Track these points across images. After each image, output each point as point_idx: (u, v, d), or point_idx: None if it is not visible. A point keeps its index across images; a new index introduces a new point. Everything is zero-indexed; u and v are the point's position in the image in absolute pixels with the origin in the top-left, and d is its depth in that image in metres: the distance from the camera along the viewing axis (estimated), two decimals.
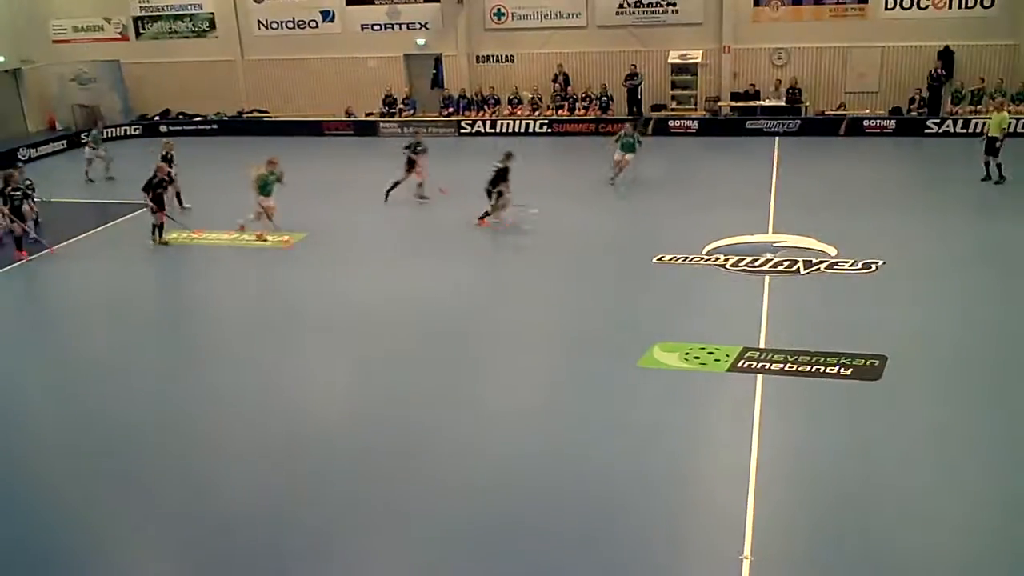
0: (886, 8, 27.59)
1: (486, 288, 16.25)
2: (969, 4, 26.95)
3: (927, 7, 27.25)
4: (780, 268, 15.79)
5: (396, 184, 21.31)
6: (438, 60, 32.66)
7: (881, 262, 15.68)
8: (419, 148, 21.37)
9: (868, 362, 11.96)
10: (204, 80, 34.29)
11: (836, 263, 15.90)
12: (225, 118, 33.81)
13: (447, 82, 32.49)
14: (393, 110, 32.13)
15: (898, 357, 12.04)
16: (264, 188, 18.71)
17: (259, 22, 34.03)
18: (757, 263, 16.05)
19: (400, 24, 32.55)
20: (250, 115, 33.96)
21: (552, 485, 9.58)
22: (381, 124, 31.57)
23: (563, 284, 15.94)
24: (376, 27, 32.77)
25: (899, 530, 8.57)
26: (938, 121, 26.44)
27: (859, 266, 15.64)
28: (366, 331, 14.15)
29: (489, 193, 18.78)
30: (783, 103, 27.99)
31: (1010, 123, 21.59)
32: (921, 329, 13.19)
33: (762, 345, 12.71)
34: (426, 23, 32.25)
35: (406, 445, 10.54)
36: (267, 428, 11.10)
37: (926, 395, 11.30)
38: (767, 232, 17.76)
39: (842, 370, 11.81)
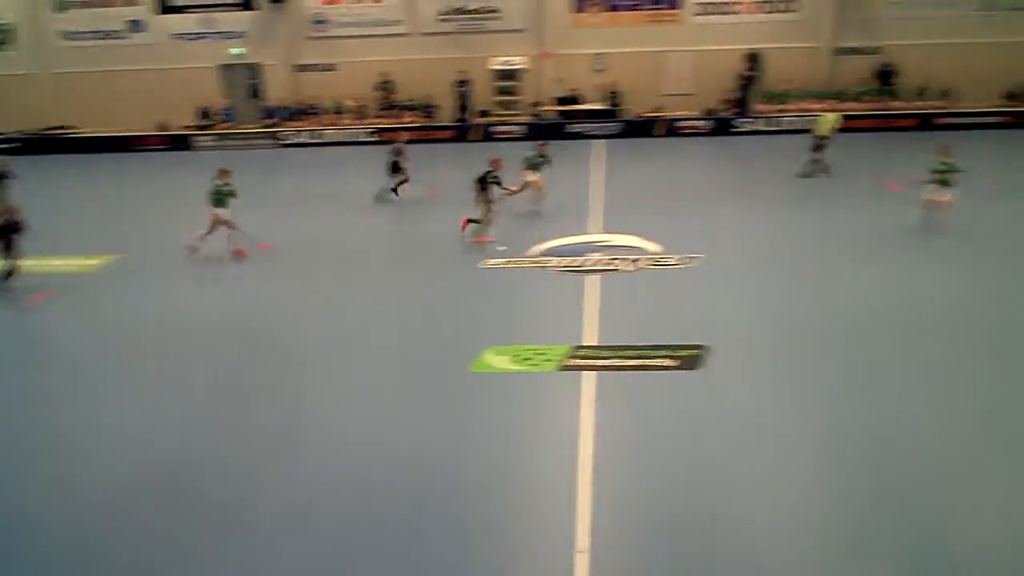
0: (697, 14, 28.73)
1: (313, 304, 15.67)
2: (775, 10, 28.46)
3: (736, 12, 28.57)
4: (606, 267, 16.03)
5: (404, 182, 21.51)
6: (256, 70, 31.64)
7: (702, 256, 16.17)
8: (401, 150, 21.50)
9: (691, 352, 12.25)
10: (3, 95, 31.91)
11: (659, 259, 16.29)
12: (27, 135, 31.55)
13: (267, 92, 31.51)
14: (209, 122, 30.86)
15: (718, 345, 12.39)
16: (220, 201, 17.55)
17: (63, 33, 32.01)
18: (583, 263, 16.26)
19: (215, 33, 31.35)
20: (54, 131, 31.84)
21: (386, 494, 9.24)
22: (196, 138, 30.24)
23: (390, 294, 15.60)
24: (190, 36, 31.43)
25: (732, 514, 8.71)
26: (748, 120, 27.74)
27: (681, 261, 16.08)
28: (182, 352, 13.34)
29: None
30: (604, 106, 28.67)
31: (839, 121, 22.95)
32: (739, 318, 13.64)
33: (591, 343, 12.81)
34: (243, 32, 31.19)
35: (237, 463, 9.94)
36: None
37: (745, 381, 11.60)
38: (592, 232, 18.01)
39: (668, 361, 12.04)
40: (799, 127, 27.48)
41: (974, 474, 9.35)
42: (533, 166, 19.99)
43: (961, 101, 27.82)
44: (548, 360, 12.27)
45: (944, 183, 16.21)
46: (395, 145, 21.88)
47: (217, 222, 17.58)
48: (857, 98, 28.12)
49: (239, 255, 17.63)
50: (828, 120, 22.22)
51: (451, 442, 10.28)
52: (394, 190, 21.63)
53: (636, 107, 28.96)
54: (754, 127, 27.54)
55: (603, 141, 27.36)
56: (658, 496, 9.13)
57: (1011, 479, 9.28)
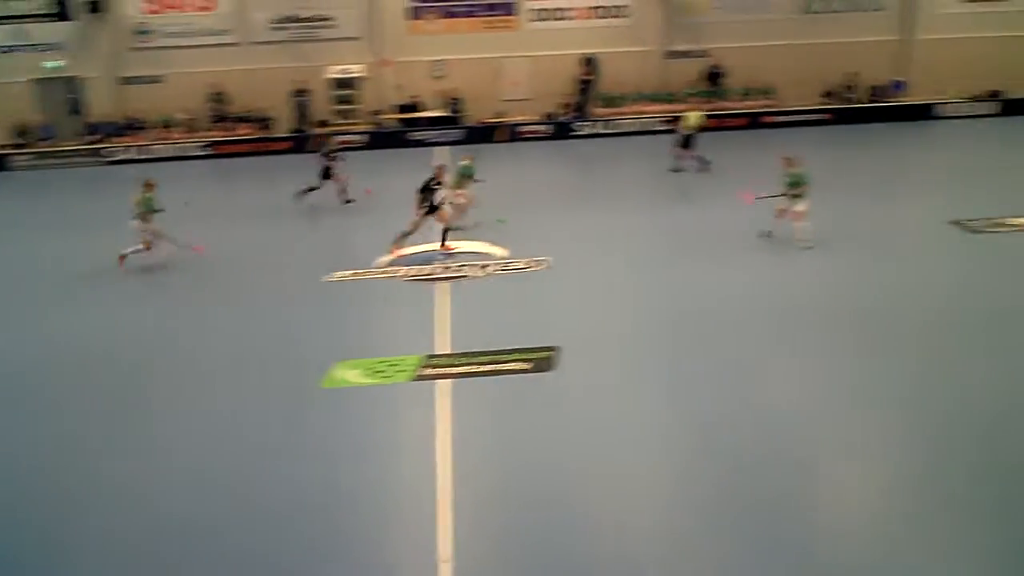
0: (533, 20, 29.09)
1: (150, 327, 14.80)
2: (607, 15, 29.16)
3: (570, 18, 29.09)
4: (455, 274, 15.90)
5: (312, 189, 20.73)
6: (77, 84, 29.85)
7: (550, 259, 16.28)
8: (334, 154, 21.00)
9: (543, 354, 12.28)
10: None
11: (508, 264, 16.29)
12: None
13: (89, 107, 29.79)
14: (25, 141, 28.88)
15: (570, 346, 12.47)
16: (151, 209, 16.85)
17: None
18: (432, 272, 16.07)
19: (28, 45, 29.39)
20: None
21: (240, 515, 8.81)
22: (11, 158, 28.24)
23: (233, 313, 14.93)
24: (1, 50, 29.32)
25: (592, 514, 8.74)
26: (587, 123, 28.27)
27: (529, 265, 16.13)
28: (25, 385, 12.34)
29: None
30: (445, 113, 28.60)
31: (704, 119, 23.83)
32: (589, 318, 13.81)
33: (443, 351, 12.64)
34: (59, 44, 29.38)
35: (79, 493, 9.24)
36: None
37: (597, 379, 11.73)
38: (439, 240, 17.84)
39: (521, 365, 12.01)
40: (636, 129, 28.34)
41: (819, 459, 9.75)
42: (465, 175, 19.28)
43: (785, 100, 29.30)
44: (401, 371, 12.03)
45: (797, 195, 16.21)
46: (326, 149, 21.36)
47: (149, 234, 17.00)
48: (688, 99, 29.15)
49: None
50: (691, 118, 23.08)
51: (303, 461, 9.90)
52: (305, 192, 21.13)
53: (477, 113, 29.05)
54: (593, 130, 28.12)
55: (446, 148, 27.25)
56: (519, 499, 9.07)
57: (854, 462, 9.74)
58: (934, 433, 10.05)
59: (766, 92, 29.30)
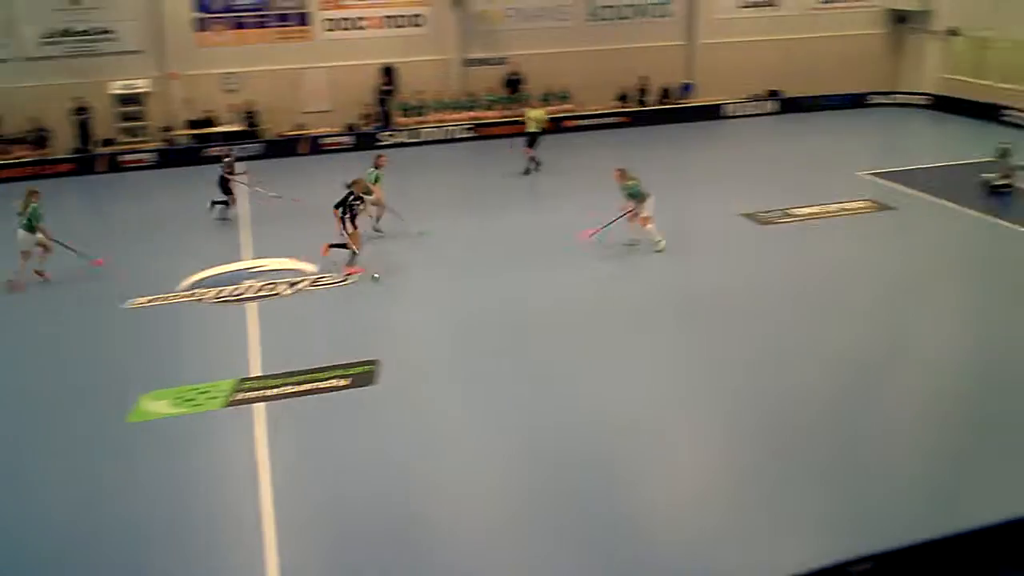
0: (328, 30, 28.57)
1: None
2: (403, 24, 29.03)
3: (365, 27, 28.76)
4: (264, 293, 15.34)
5: (222, 203, 20.05)
6: None
7: (361, 272, 15.99)
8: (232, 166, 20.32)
9: (363, 368, 12.05)
10: None
11: (319, 279, 15.88)
12: None
13: None
14: None
15: (390, 358, 12.34)
16: (34, 225, 15.86)
17: None
18: (239, 292, 15.41)
19: None
20: None
21: (43, 560, 8.15)
22: None
23: (27, 348, 13.74)
24: None
25: (422, 523, 8.66)
26: (390, 133, 28.07)
27: (341, 279, 15.78)
28: None
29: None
30: (241, 128, 27.60)
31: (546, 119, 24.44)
32: (406, 329, 13.71)
33: (257, 373, 12.16)
34: None
35: None
36: None
37: (419, 389, 11.69)
38: (245, 259, 17.17)
39: (340, 381, 11.74)
40: (440, 138, 28.35)
41: (643, 456, 10.10)
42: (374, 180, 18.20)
43: (582, 104, 30.16)
44: (213, 398, 11.48)
45: (638, 200, 16.50)
46: (224, 163, 20.36)
47: (42, 245, 16.12)
48: (489, 107, 29.50)
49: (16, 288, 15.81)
50: (533, 116, 23.59)
51: (115, 500, 9.27)
52: (217, 203, 20.03)
53: (276, 127, 28.17)
54: (397, 140, 27.91)
55: (244, 163, 26.23)
56: (346, 516, 8.92)
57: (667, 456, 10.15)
58: (736, 407, 10.67)
59: (563, 97, 30.08)
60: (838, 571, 7.09)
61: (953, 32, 30.59)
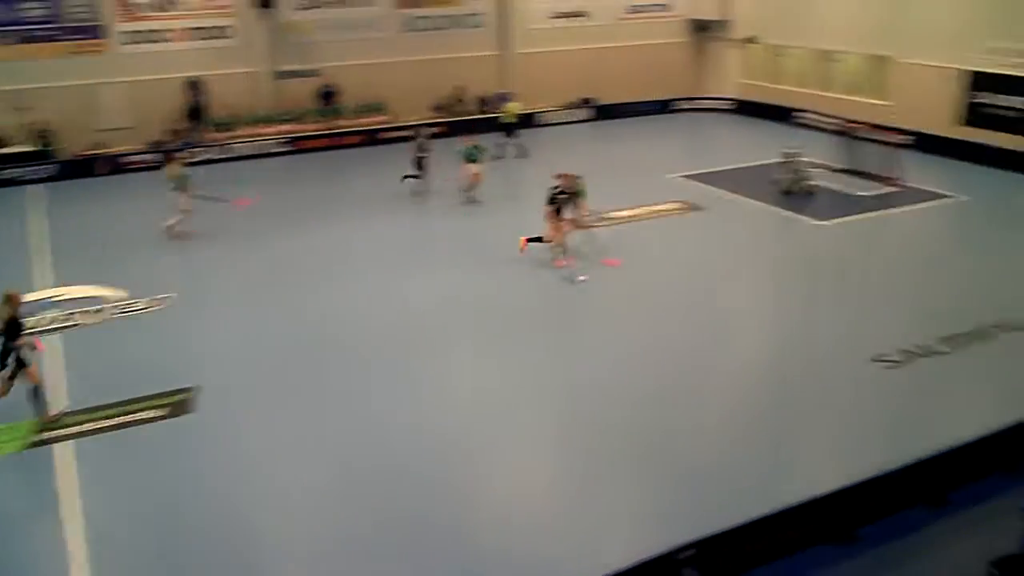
0: (126, 44, 27.02)
1: None
2: (209, 36, 27.83)
3: (169, 40, 27.38)
4: (65, 323, 14.21)
5: (414, 176, 21.74)
6: None
7: (172, 296, 15.14)
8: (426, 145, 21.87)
9: (179, 397, 11.36)
10: None
11: (126, 306, 14.88)
12: None
13: None
14: None
15: (208, 383, 11.75)
16: None
17: None
18: (37, 324, 14.18)
19: None
20: None
21: None
22: None
23: None
24: None
25: (261, 550, 8.26)
26: (201, 149, 26.82)
27: (151, 304, 14.86)
28: None
29: None
30: (33, 148, 25.63)
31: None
32: (223, 352, 13.04)
33: (63, 410, 11.19)
34: None
35: None
36: None
37: (241, 412, 11.18)
38: (42, 289, 15.86)
39: (154, 412, 11.01)
40: (255, 152, 27.32)
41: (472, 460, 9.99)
42: (471, 158, 20.94)
43: (399, 116, 29.86)
44: (10, 441, 10.54)
45: (472, 160, 20.61)
46: (420, 140, 21.99)
47: None
48: (303, 119, 28.72)
49: None
50: (511, 108, 26.20)
51: None
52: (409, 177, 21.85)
53: (72, 146, 26.32)
54: (208, 155, 26.67)
55: (39, 186, 24.39)
56: (165, 553, 8.39)
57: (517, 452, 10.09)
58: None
59: (379, 109, 29.71)
60: (665, 560, 7.24)
61: (751, 40, 32.41)
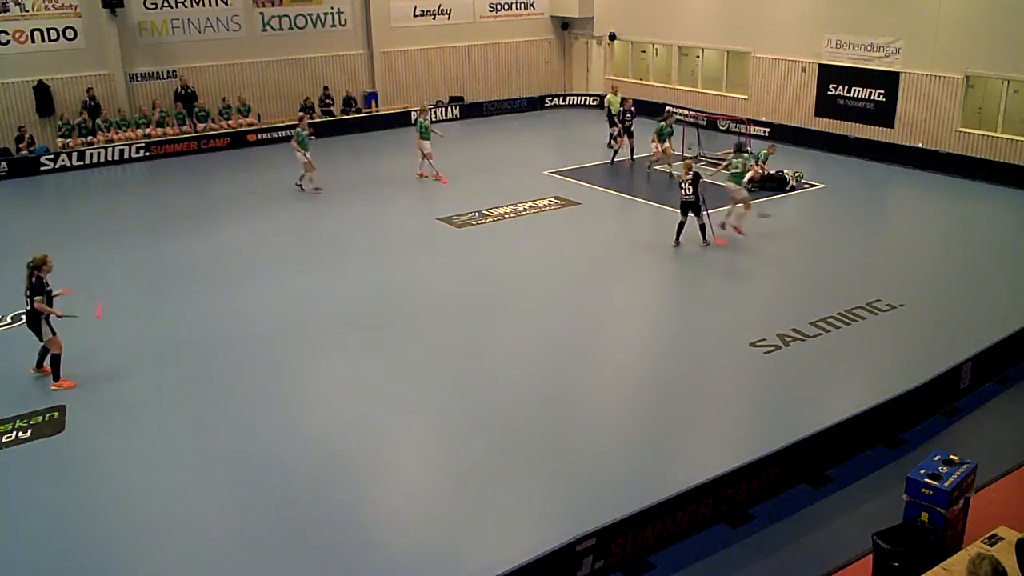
0: None
1: None
2: (53, 37, 26.34)
3: (8, 42, 25.76)
4: None
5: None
6: None
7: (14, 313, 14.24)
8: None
9: (47, 416, 10.70)
10: None
11: None
12: None
13: None
14: None
15: (76, 400, 11.16)
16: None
17: None
18: None
19: None
20: None
21: None
22: None
23: None
24: None
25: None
26: (52, 157, 25.39)
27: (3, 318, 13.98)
28: None
29: None
30: None
31: None
32: (89, 366, 12.30)
33: None
34: None
35: None
36: None
37: (117, 424, 10.71)
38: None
39: (20, 434, 10.36)
40: (112, 159, 26.02)
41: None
42: (661, 135, 22.53)
43: (265, 117, 29.07)
44: None
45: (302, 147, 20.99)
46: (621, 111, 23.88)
47: None
48: (162, 123, 27.55)
49: None
50: (612, 100, 25.73)
51: None
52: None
53: None
54: (62, 163, 25.24)
55: None
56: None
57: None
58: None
59: (243, 111, 28.83)
60: (566, 551, 7.30)
61: (612, 37, 33.07)
